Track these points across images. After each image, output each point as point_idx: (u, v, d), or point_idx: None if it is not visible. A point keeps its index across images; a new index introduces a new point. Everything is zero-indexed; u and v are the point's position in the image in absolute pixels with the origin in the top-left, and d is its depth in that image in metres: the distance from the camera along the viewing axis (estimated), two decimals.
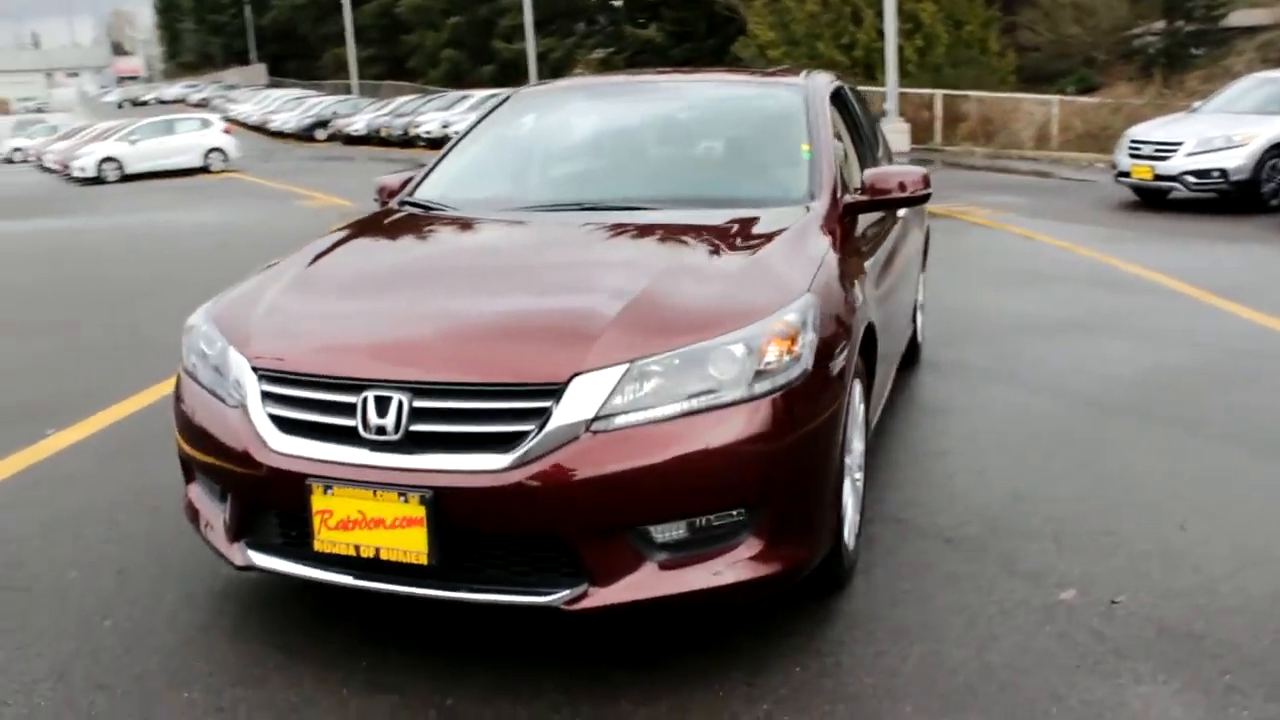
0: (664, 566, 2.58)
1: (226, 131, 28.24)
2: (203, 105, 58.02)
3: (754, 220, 3.37)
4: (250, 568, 2.86)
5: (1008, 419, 4.76)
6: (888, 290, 4.02)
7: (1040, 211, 12.33)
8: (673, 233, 3.34)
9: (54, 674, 2.90)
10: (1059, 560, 3.31)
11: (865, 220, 3.85)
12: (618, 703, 2.63)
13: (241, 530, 2.90)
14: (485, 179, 4.18)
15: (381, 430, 2.61)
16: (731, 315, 2.70)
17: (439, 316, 2.91)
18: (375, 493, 2.57)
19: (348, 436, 2.65)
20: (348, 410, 2.65)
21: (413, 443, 2.59)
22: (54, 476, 4.52)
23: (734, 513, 2.61)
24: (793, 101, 4.02)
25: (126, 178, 25.88)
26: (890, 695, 2.62)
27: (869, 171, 3.75)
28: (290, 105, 44.55)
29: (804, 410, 2.67)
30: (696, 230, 3.30)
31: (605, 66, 37.23)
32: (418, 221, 3.83)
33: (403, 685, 2.75)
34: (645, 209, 3.58)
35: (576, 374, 2.53)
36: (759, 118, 4.19)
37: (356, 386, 2.66)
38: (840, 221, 3.54)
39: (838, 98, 4.57)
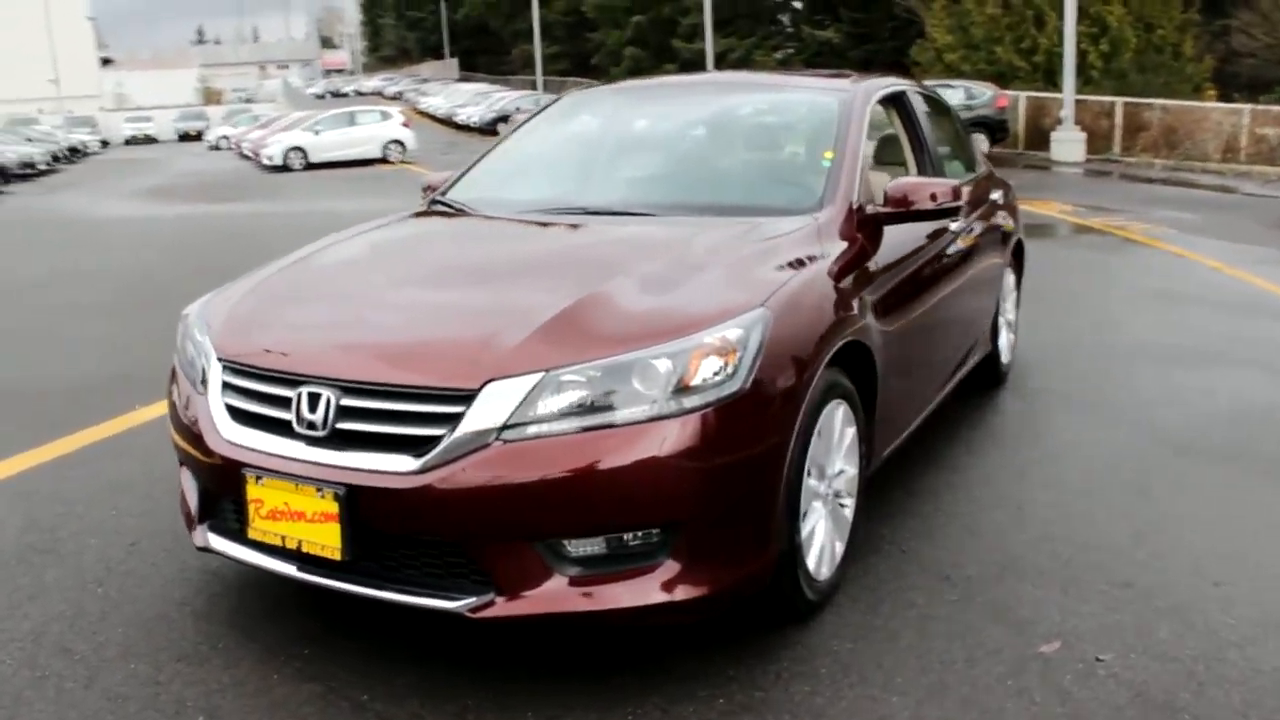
0: (575, 582, 2.51)
1: (405, 125, 29.42)
2: (396, 98, 60.67)
3: (747, 229, 3.24)
4: (207, 549, 2.94)
5: (1071, 452, 4.43)
6: (927, 308, 3.81)
7: (1204, 229, 11.50)
8: (650, 240, 3.25)
9: (32, 634, 3.06)
10: (1058, 609, 3.05)
11: (905, 232, 3.66)
12: (523, 714, 2.57)
13: (204, 513, 2.99)
14: (510, 180, 4.17)
15: (312, 425, 2.63)
16: (666, 328, 2.59)
17: (381, 317, 2.93)
18: (298, 486, 2.60)
19: (283, 429, 2.69)
20: (286, 404, 2.69)
21: (338, 439, 2.60)
22: (120, 448, 4.80)
23: (651, 532, 2.51)
24: (827, 108, 3.85)
25: (310, 166, 27.30)
26: None
27: (895, 182, 3.55)
28: (476, 100, 45.95)
29: (735, 430, 2.54)
30: (678, 239, 3.20)
31: (784, 68, 36.92)
32: (423, 221, 3.88)
33: (331, 677, 2.77)
34: (645, 215, 3.50)
35: (489, 381, 2.49)
36: (789, 124, 4.06)
37: (294, 381, 2.70)
38: (857, 233, 3.37)
39: (897, 103, 4.36)
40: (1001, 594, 3.16)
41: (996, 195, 5.23)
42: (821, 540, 3.00)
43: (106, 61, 77.92)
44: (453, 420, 2.49)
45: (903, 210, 3.51)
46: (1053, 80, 22.67)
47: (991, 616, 3.02)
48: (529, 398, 2.47)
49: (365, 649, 2.90)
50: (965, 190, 4.76)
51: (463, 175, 4.25)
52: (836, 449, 3.07)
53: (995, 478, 4.15)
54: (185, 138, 52.20)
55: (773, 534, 2.69)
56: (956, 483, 4.09)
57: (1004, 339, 5.46)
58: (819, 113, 3.86)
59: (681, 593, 2.52)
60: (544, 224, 3.63)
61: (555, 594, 2.50)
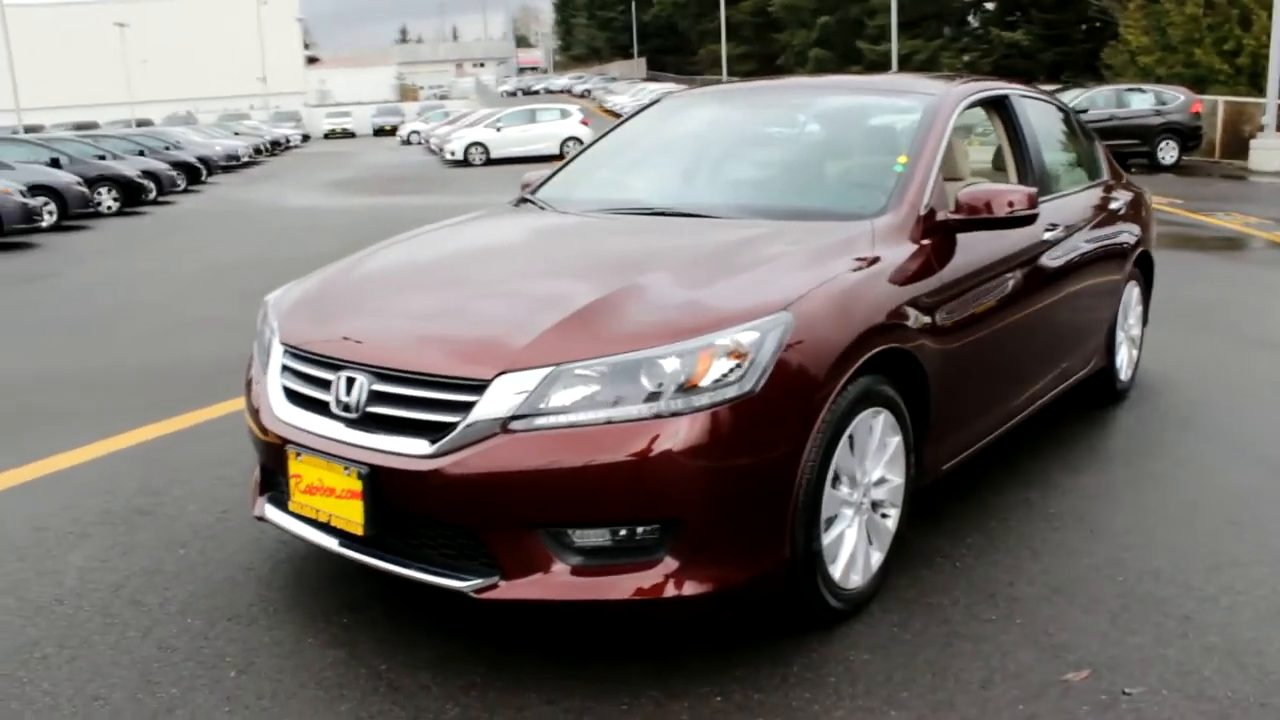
0: (578, 571, 2.57)
1: (584, 123, 30.03)
2: (584, 96, 61.99)
3: (800, 233, 3.23)
4: (263, 518, 3.14)
5: (1172, 477, 4.18)
6: (1009, 319, 3.71)
7: None
8: (697, 241, 3.27)
9: (113, 585, 3.34)
10: (1100, 638, 2.91)
11: (987, 240, 3.56)
12: (525, 694, 2.65)
13: (264, 486, 3.21)
14: (591, 178, 4.27)
15: (347, 408, 2.79)
16: (681, 328, 2.62)
17: (422, 308, 3.06)
18: (329, 463, 2.76)
19: (324, 410, 2.86)
20: (327, 386, 2.86)
21: (369, 422, 2.75)
22: (237, 424, 5.12)
23: (651, 527, 2.54)
24: (910, 112, 3.77)
25: (490, 161, 28.22)
26: None
27: (968, 189, 3.45)
28: None
29: (742, 432, 2.54)
30: (726, 241, 3.21)
31: (970, 71, 35.86)
32: (498, 218, 4.03)
33: (357, 644, 2.92)
34: (705, 216, 3.54)
35: (502, 372, 2.57)
36: (870, 128, 4.00)
37: (336, 366, 2.86)
38: (922, 239, 3.31)
39: (999, 108, 4.23)
40: (1045, 617, 3.04)
41: (1118, 205, 4.99)
42: (851, 548, 2.96)
43: (312, 60, 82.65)
44: (466, 408, 2.59)
45: (975, 218, 3.41)
46: (1257, 84, 21.20)
47: (1026, 639, 2.91)
48: (538, 390, 2.54)
49: (397, 623, 3.04)
50: (1075, 199, 4.59)
51: (556, 173, 4.37)
52: (874, 458, 3.02)
53: (1078, 497, 3.97)
54: (380, 132, 54.80)
55: (785, 538, 2.68)
56: (1034, 500, 3.95)
57: (1123, 355, 5.21)
58: (902, 116, 3.79)
59: (680, 589, 2.55)
60: (604, 222, 3.72)
61: (556, 581, 2.57)
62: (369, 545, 2.78)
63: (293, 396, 3.00)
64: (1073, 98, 20.10)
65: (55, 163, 17.52)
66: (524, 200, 4.21)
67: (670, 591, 2.55)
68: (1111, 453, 4.52)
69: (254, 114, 55.50)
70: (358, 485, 2.69)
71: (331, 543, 2.86)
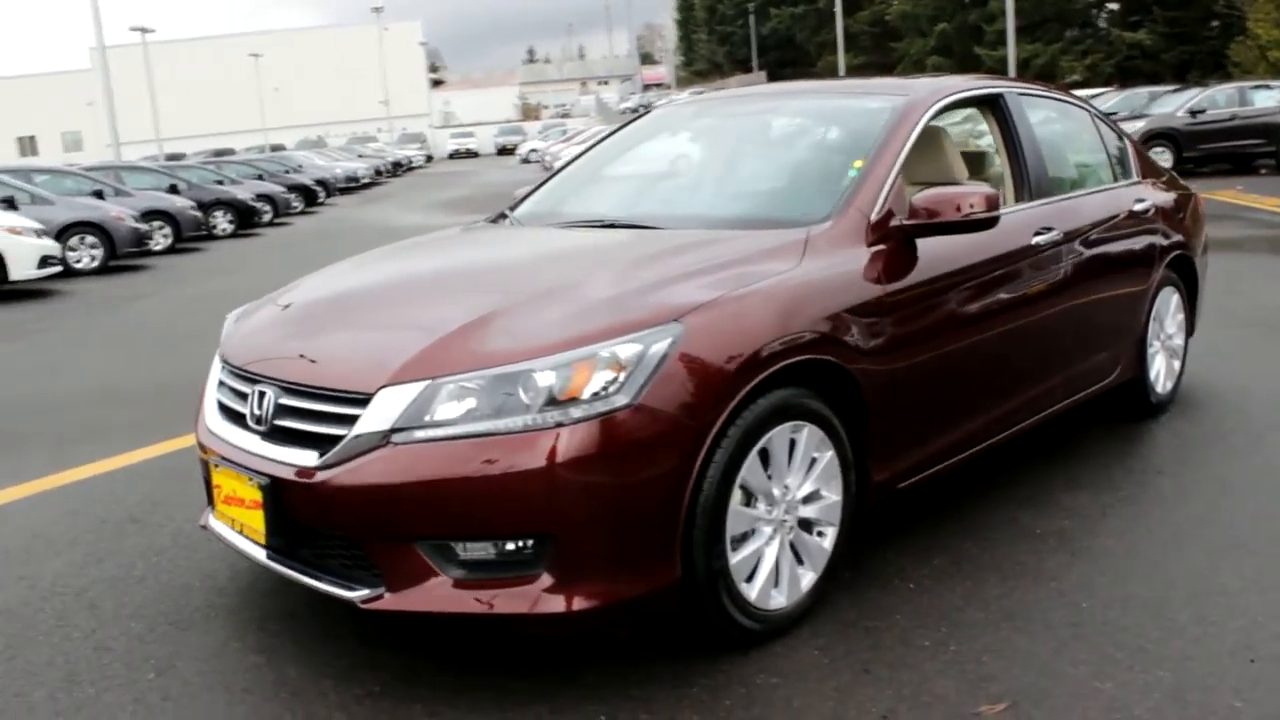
0: (460, 584, 2.55)
1: None
2: None
3: (730, 242, 3.15)
4: (205, 527, 3.21)
5: (1188, 499, 3.90)
6: (985, 326, 3.57)
7: None
8: (620, 253, 3.24)
9: (79, 589, 3.48)
10: (1039, 669, 2.73)
11: (956, 245, 3.41)
12: (411, 705, 2.64)
13: (210, 497, 3.27)
14: (565, 192, 4.26)
15: (259, 420, 2.84)
16: (563, 340, 2.58)
17: (332, 323, 3.12)
18: (239, 474, 2.81)
19: (243, 423, 2.91)
20: (245, 400, 2.91)
21: (276, 434, 2.79)
22: None
23: (528, 541, 2.50)
24: (879, 115, 3.64)
25: None
26: None
27: (922, 193, 3.31)
28: None
29: (618, 446, 2.48)
30: (649, 252, 3.17)
31: (1091, 73, 34.62)
32: (457, 234, 4.14)
33: (279, 651, 2.97)
34: (650, 227, 3.49)
35: (382, 387, 2.58)
36: (833, 134, 3.87)
37: (254, 380, 2.93)
38: (869, 247, 3.20)
39: (993, 108, 4.07)
40: (983, 645, 2.87)
41: (1145, 207, 4.71)
42: (770, 567, 2.85)
43: (437, 83, 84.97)
44: (353, 421, 2.60)
45: (929, 223, 3.27)
46: None
47: (952, 667, 2.75)
48: (416, 403, 2.55)
49: (324, 631, 3.07)
50: (1087, 202, 4.36)
51: (538, 187, 4.38)
52: (799, 473, 2.91)
53: (1070, 517, 3.75)
54: (503, 151, 55.96)
55: (675, 555, 2.60)
56: (1023, 519, 3.74)
57: (1159, 366, 4.91)
58: (867, 121, 3.66)
59: (559, 604, 2.50)
60: (545, 237, 3.74)
61: (438, 594, 2.55)
62: (286, 556, 2.81)
63: (223, 410, 3.07)
64: (1187, 99, 19.15)
65: (174, 189, 18.40)
66: (503, 215, 4.23)
67: (548, 608, 2.50)
68: (1128, 470, 4.26)
69: (381, 136, 57.38)
70: (259, 496, 2.73)
71: (260, 554, 2.90)
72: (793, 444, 2.87)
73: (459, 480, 2.48)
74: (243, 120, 64.54)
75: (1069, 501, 3.92)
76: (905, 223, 3.28)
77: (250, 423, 2.87)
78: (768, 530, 2.85)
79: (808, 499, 2.97)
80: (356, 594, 2.63)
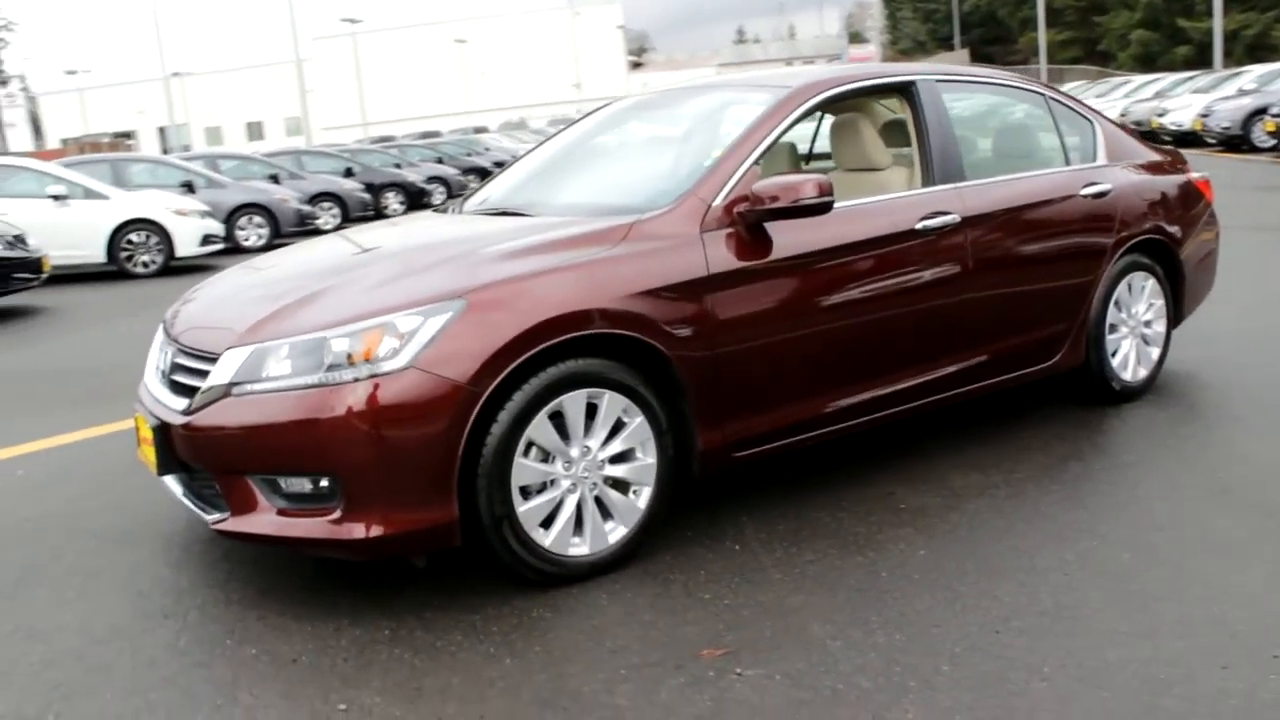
0: (282, 513, 3.07)
1: None
2: None
3: (560, 227, 3.54)
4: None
5: (1061, 491, 3.98)
6: (853, 308, 3.79)
7: None
8: (457, 235, 3.80)
9: (43, 515, 4.18)
10: (785, 624, 2.98)
11: (822, 228, 3.67)
12: (248, 613, 3.17)
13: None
14: (498, 179, 4.74)
15: (164, 373, 3.45)
16: (366, 311, 3.05)
17: (230, 296, 3.68)
18: (143, 417, 3.43)
19: (159, 376, 3.54)
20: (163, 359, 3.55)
21: (171, 386, 3.39)
22: None
23: (326, 478, 2.99)
24: (753, 106, 3.91)
25: None
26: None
27: (762, 181, 3.57)
28: None
29: (394, 402, 2.93)
30: (484, 233, 3.65)
31: None
32: (392, 221, 4.68)
33: (165, 586, 3.56)
34: (518, 214, 3.94)
35: (228, 348, 3.14)
36: (712, 127, 4.15)
37: (169, 341, 3.55)
38: (720, 230, 3.50)
39: (906, 94, 4.25)
40: (759, 602, 3.10)
41: (1097, 190, 4.67)
42: (568, 518, 3.23)
43: (636, 65, 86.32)
44: (206, 376, 3.16)
45: (766, 208, 3.52)
46: None
47: (713, 617, 3.02)
48: (249, 362, 3.09)
49: (227, 556, 3.65)
50: (1012, 186, 4.41)
51: (494, 176, 4.85)
52: (599, 436, 3.25)
53: (943, 496, 3.88)
54: None
55: (452, 498, 3.02)
56: (898, 494, 3.90)
57: (1125, 353, 4.88)
58: (742, 113, 3.93)
59: (351, 532, 2.99)
60: (440, 223, 4.24)
61: (265, 520, 3.09)
62: (188, 489, 3.39)
63: (155, 369, 3.69)
64: None
65: (349, 172, 19.83)
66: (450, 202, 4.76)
67: (349, 534, 2.99)
68: (1047, 454, 4.28)
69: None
70: (151, 435, 3.32)
71: (177, 489, 3.50)
72: (594, 409, 3.23)
73: (275, 426, 3.00)
74: (448, 104, 67.86)
75: (957, 481, 4.05)
76: (742, 209, 3.55)
77: (158, 377, 3.48)
78: (565, 484, 3.22)
79: (618, 459, 3.31)
80: (210, 517, 3.20)
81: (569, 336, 3.13)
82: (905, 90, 4.27)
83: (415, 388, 2.95)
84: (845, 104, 4.49)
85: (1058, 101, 4.94)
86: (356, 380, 2.94)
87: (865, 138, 4.35)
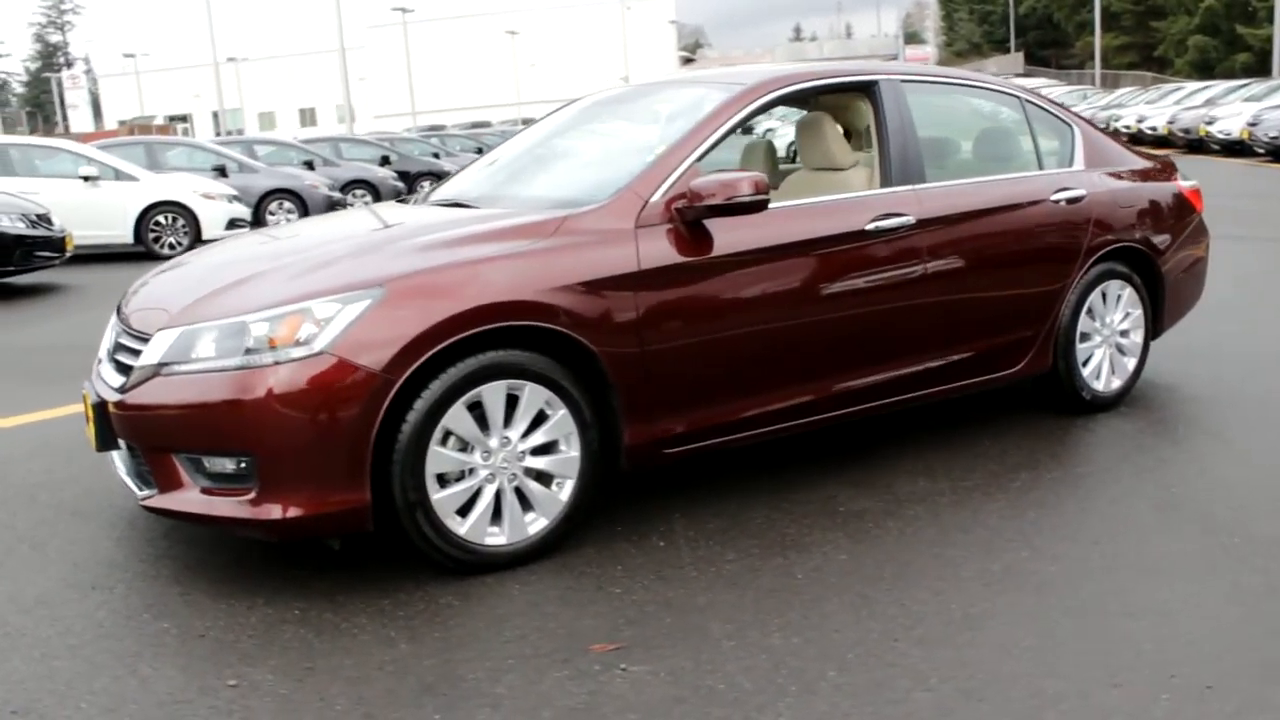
0: (205, 491, 3.14)
1: None
2: None
3: (494, 220, 3.58)
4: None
5: (1004, 501, 3.95)
6: (794, 308, 3.79)
7: None
8: (397, 223, 3.85)
9: (24, 490, 4.30)
10: (683, 624, 2.98)
11: (766, 226, 3.68)
12: (171, 587, 3.25)
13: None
14: (463, 172, 4.78)
15: (110, 353, 3.54)
16: (287, 297, 3.11)
17: (178, 280, 3.74)
18: (86, 395, 3.51)
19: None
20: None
21: (114, 365, 3.47)
22: None
23: (244, 458, 3.05)
24: (702, 104, 3.92)
25: None
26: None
27: (700, 178, 3.57)
28: None
29: (306, 386, 2.98)
30: (422, 223, 3.71)
31: None
32: (352, 210, 4.77)
33: (126, 543, 3.65)
34: (469, 206, 3.97)
35: (160, 329, 3.21)
36: (662, 124, 4.16)
37: (119, 321, 3.63)
38: (655, 226, 3.52)
39: (868, 94, 4.23)
40: (664, 598, 3.11)
41: (1069, 196, 4.61)
42: (485, 507, 3.26)
43: (688, 60, 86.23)
44: (139, 356, 3.23)
45: (702, 205, 3.52)
46: None
47: (613, 612, 3.04)
48: (176, 344, 3.16)
49: (163, 534, 3.73)
50: (975, 190, 4.37)
51: (465, 169, 4.90)
52: (519, 427, 3.28)
53: (883, 502, 3.86)
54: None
55: (364, 484, 3.06)
56: (840, 498, 3.88)
57: (1097, 362, 4.81)
58: (692, 111, 3.93)
59: (268, 513, 3.04)
60: (392, 213, 4.25)
61: (189, 498, 3.16)
62: (128, 466, 3.46)
63: (104, 348, 3.78)
64: None
65: (385, 160, 20.03)
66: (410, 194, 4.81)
67: (258, 514, 3.05)
68: (1001, 463, 4.23)
69: None
70: (91, 412, 3.40)
71: (121, 466, 3.58)
72: (514, 400, 3.26)
73: (199, 406, 3.07)
74: (499, 94, 68.25)
75: (903, 486, 4.03)
76: (679, 206, 3.56)
77: (106, 356, 3.57)
78: (484, 474, 3.26)
79: (540, 451, 3.34)
80: (141, 493, 3.28)
81: (488, 327, 3.16)
82: (867, 90, 4.25)
83: (329, 373, 3.00)
84: (828, 103, 4.50)
85: (1034, 105, 4.88)
86: (276, 364, 2.99)
87: (829, 137, 4.34)
